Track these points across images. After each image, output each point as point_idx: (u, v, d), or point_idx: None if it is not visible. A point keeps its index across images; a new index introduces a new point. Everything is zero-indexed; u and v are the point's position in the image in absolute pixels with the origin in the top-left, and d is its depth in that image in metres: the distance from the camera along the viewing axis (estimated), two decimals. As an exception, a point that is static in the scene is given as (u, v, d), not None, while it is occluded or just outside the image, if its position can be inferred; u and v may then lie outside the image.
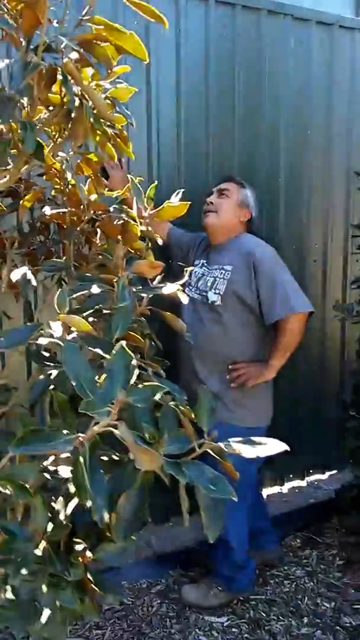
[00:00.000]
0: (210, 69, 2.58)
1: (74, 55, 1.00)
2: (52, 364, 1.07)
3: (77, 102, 1.02)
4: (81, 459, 0.81)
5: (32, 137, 0.96)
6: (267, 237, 2.78)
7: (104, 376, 0.84)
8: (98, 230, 1.39)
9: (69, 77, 0.97)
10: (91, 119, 1.03)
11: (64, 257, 1.44)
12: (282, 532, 2.67)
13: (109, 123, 1.11)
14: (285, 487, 3.21)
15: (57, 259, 1.53)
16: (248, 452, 0.88)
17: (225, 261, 2.03)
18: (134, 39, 1.01)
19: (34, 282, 1.19)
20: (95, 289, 1.03)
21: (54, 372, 1.03)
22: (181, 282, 1.11)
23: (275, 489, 3.16)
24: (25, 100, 0.99)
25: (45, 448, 0.77)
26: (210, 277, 2.04)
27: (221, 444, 0.88)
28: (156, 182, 1.31)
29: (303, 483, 3.27)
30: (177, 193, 1.29)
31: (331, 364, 3.17)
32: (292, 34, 2.75)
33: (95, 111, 1.03)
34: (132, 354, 0.84)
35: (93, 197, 1.36)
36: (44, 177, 1.41)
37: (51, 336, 0.98)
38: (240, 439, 0.93)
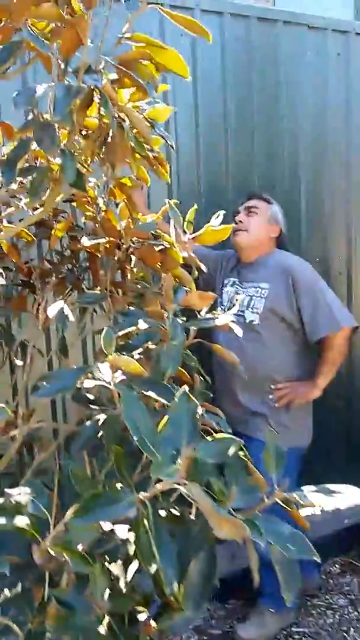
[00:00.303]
0: (227, 82, 2.52)
1: (113, 75, 0.93)
2: (96, 408, 0.99)
3: (116, 125, 0.95)
4: (145, 522, 0.72)
5: (73, 166, 0.89)
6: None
7: (162, 423, 0.77)
8: (132, 256, 1.31)
9: (109, 100, 0.90)
10: (132, 143, 0.96)
11: (97, 287, 1.37)
12: (320, 558, 2.55)
13: (148, 146, 1.03)
14: (317, 509, 3.10)
15: (88, 288, 1.46)
16: (326, 503, 0.79)
17: (261, 278, 1.97)
18: (175, 55, 0.94)
19: (71, 318, 1.12)
20: (142, 324, 0.95)
21: (101, 417, 0.95)
22: (233, 311, 1.03)
23: (307, 511, 3.05)
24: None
25: (109, 516, 0.68)
26: (245, 295, 1.97)
27: (296, 495, 0.80)
28: (195, 206, 1.23)
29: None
30: (218, 215, 1.22)
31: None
32: (308, 44, 2.69)
33: (136, 134, 0.96)
34: (197, 401, 0.76)
35: (124, 223, 1.29)
36: (74, 203, 1.34)
37: (98, 379, 0.90)
38: (313, 487, 0.84)
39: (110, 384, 0.88)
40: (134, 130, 0.95)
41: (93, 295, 1.17)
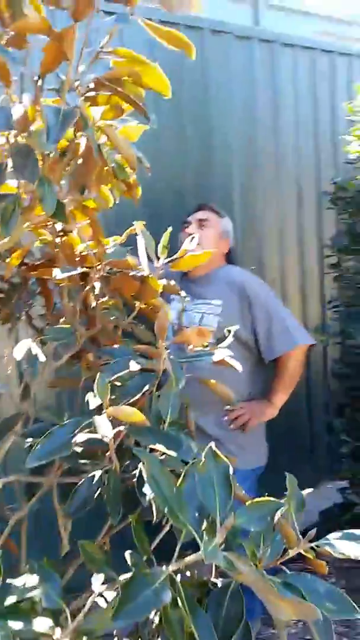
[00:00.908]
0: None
1: (91, 93, 0.84)
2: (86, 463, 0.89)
3: (96, 148, 0.85)
4: (179, 602, 0.64)
5: (53, 196, 0.79)
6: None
7: (182, 484, 0.68)
8: (94, 284, 1.21)
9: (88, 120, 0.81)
10: (112, 166, 0.87)
11: (57, 317, 1.25)
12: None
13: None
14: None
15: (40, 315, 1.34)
16: (356, 551, 0.75)
17: (212, 295, 1.89)
18: (158, 72, 0.86)
19: (42, 358, 1.00)
20: (134, 365, 0.86)
21: (96, 474, 0.85)
22: (227, 342, 0.96)
23: (257, 518, 3.06)
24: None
25: (149, 606, 0.59)
26: (195, 312, 1.88)
27: (327, 547, 0.74)
28: (170, 228, 1.15)
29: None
30: (192, 237, 1.15)
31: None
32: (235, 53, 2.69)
33: (119, 159, 0.87)
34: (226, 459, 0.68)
35: (82, 246, 1.19)
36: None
37: (96, 432, 0.80)
38: (339, 534, 0.79)
39: (111, 440, 0.78)
40: (118, 155, 0.86)
41: (62, 331, 1.06)
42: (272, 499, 0.68)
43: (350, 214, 2.18)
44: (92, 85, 0.82)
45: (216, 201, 2.64)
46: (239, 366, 0.92)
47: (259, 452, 1.97)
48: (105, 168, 0.90)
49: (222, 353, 0.90)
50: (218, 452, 0.69)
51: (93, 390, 1.29)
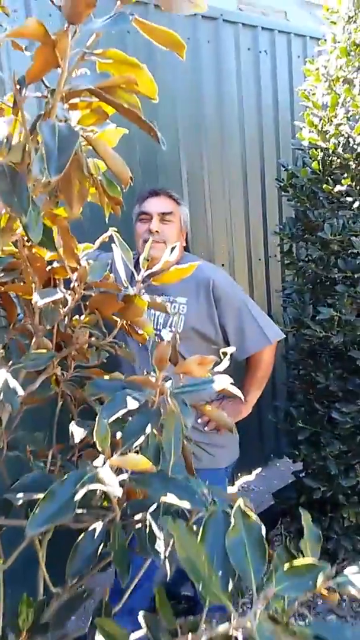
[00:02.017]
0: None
1: (75, 100, 0.73)
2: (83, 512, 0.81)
3: (84, 161, 0.75)
4: None
5: (39, 223, 0.68)
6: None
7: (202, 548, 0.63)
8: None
9: (74, 131, 0.70)
10: (100, 178, 0.77)
11: (20, 331, 1.15)
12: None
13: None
14: (219, 497, 3.15)
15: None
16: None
17: (176, 292, 1.77)
18: (147, 75, 0.77)
19: (20, 392, 0.90)
20: (132, 402, 0.78)
21: (97, 526, 0.77)
22: (222, 367, 0.90)
23: (210, 502, 3.08)
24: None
25: None
26: (159, 311, 1.77)
27: (348, 586, 0.71)
28: (151, 240, 1.06)
29: (234, 489, 3.23)
30: (174, 247, 1.07)
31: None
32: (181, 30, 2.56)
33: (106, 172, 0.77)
34: (255, 514, 0.63)
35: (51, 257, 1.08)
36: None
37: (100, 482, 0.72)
38: (356, 568, 0.77)
39: (117, 492, 0.70)
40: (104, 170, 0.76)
41: (41, 357, 0.96)
42: (311, 560, 0.63)
43: (301, 201, 2.16)
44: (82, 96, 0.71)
45: (162, 186, 2.56)
46: (238, 393, 0.86)
47: (234, 448, 1.95)
48: (88, 183, 0.80)
49: (223, 381, 0.84)
50: (247, 509, 0.63)
51: (64, 404, 1.22)
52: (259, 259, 3.13)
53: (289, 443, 2.46)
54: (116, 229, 1.08)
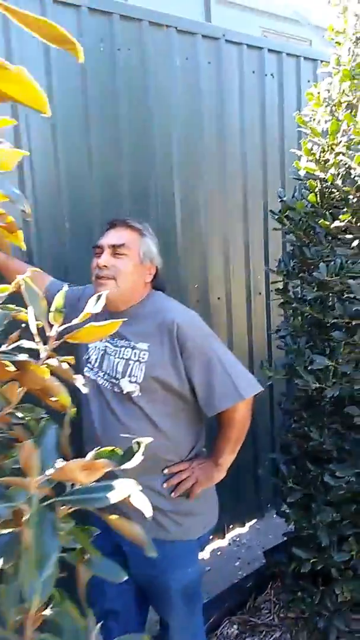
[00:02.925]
0: (89, 88, 2.14)
1: None
2: None
3: None
4: None
5: None
6: (168, 278, 2.48)
7: None
8: None
9: None
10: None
11: None
12: (216, 620, 2.33)
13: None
14: (206, 552, 2.89)
15: None
16: None
17: (137, 336, 1.55)
18: (25, 81, 0.58)
19: None
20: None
21: None
22: (133, 463, 0.68)
23: (197, 556, 2.82)
24: None
25: None
26: (118, 358, 1.56)
27: None
28: (66, 287, 0.87)
29: (224, 542, 2.97)
30: (99, 297, 0.86)
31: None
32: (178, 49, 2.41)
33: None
34: None
35: None
36: None
37: None
38: None
39: None
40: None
41: None
42: None
43: (297, 236, 1.95)
44: None
45: (155, 216, 2.38)
46: (148, 512, 0.64)
47: (208, 515, 1.69)
48: None
49: (126, 488, 0.63)
50: None
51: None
52: (259, 293, 2.92)
53: (282, 500, 2.21)
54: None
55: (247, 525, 3.09)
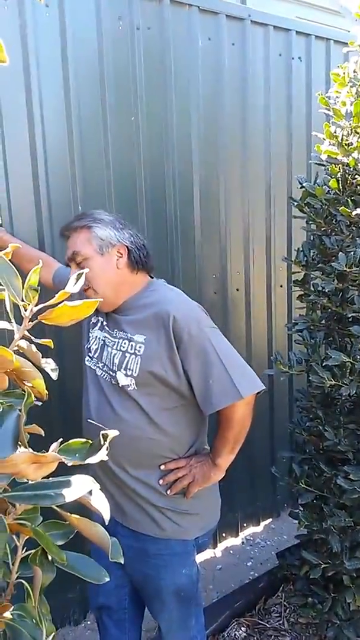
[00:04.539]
0: (106, 68, 2.08)
1: None
2: None
3: None
4: None
5: None
6: (184, 267, 2.41)
7: None
8: None
9: None
10: None
11: None
12: (224, 620, 2.26)
13: None
14: (219, 550, 2.82)
15: None
16: None
17: (134, 328, 1.46)
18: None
19: None
20: None
21: None
22: (99, 456, 0.61)
23: (208, 554, 2.76)
24: None
25: None
26: (115, 349, 1.48)
27: None
28: (40, 263, 0.80)
29: (237, 540, 2.89)
30: (79, 275, 0.80)
31: (260, 409, 2.81)
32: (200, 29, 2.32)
33: None
34: None
35: None
36: None
37: None
38: None
39: None
40: None
41: None
42: None
43: (317, 224, 1.85)
44: None
45: (173, 202, 2.31)
46: (106, 514, 0.57)
47: (208, 515, 1.59)
48: None
49: (82, 485, 0.56)
50: None
51: None
52: (280, 286, 2.82)
53: (294, 501, 2.12)
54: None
55: (262, 524, 3.01)
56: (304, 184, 1.83)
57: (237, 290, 2.67)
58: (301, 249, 1.99)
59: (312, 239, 1.95)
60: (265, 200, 2.67)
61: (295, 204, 1.87)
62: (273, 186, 2.66)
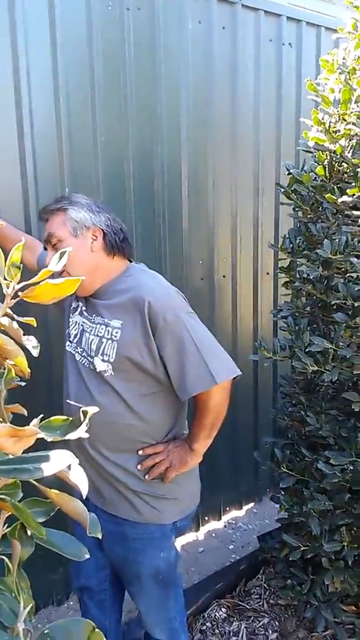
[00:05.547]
0: (95, 49, 2.05)
1: None
2: None
3: None
4: None
5: None
6: (171, 253, 2.41)
7: None
8: None
9: None
10: None
11: None
12: (205, 601, 2.29)
13: None
14: (201, 533, 2.85)
15: None
16: None
17: (110, 313, 1.45)
18: None
19: None
20: None
21: None
22: (79, 432, 0.61)
23: (190, 537, 2.79)
24: None
25: None
26: (93, 335, 1.47)
27: None
28: (23, 241, 0.80)
29: (219, 524, 2.93)
30: (63, 254, 0.80)
31: (244, 394, 2.83)
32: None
33: None
34: None
35: None
36: None
37: None
38: None
39: None
40: None
41: None
42: None
43: (304, 211, 1.85)
44: None
45: (160, 185, 2.30)
46: (84, 489, 0.57)
47: (186, 500, 1.59)
48: None
49: (60, 459, 0.56)
50: None
51: None
52: (267, 273, 2.83)
53: (275, 485, 2.15)
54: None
55: (244, 508, 3.05)
56: (291, 171, 1.84)
57: (224, 276, 2.68)
58: (287, 236, 2.00)
59: (298, 226, 1.96)
60: (253, 186, 2.67)
61: (283, 190, 1.87)
62: (262, 172, 2.67)
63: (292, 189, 1.89)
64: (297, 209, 1.90)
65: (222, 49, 2.41)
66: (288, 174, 1.89)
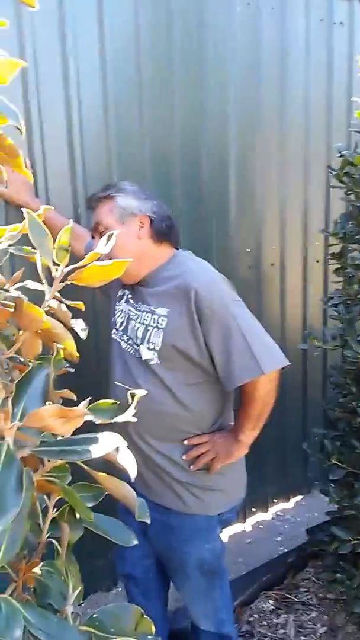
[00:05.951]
0: (142, 34, 2.04)
1: None
2: None
3: None
4: None
5: None
6: (218, 241, 2.38)
7: None
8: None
9: None
10: None
11: None
12: (252, 593, 2.27)
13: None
14: (248, 524, 2.83)
15: None
16: None
17: (157, 301, 1.43)
18: None
19: None
20: None
21: None
22: (126, 416, 0.60)
23: (238, 527, 2.77)
24: None
25: None
26: (139, 323, 1.46)
27: None
28: (71, 223, 0.79)
29: (267, 516, 2.90)
30: (110, 237, 0.79)
31: (293, 385, 2.78)
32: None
33: None
34: None
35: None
36: None
37: None
38: None
39: None
40: None
41: None
42: None
43: (357, 194, 1.79)
44: None
45: (207, 173, 2.27)
46: (133, 472, 0.56)
47: (232, 492, 1.57)
48: None
49: (109, 442, 0.55)
50: None
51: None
52: (317, 260, 2.75)
53: (325, 478, 2.10)
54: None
55: (292, 500, 3.00)
56: (343, 152, 1.77)
57: (272, 265, 2.63)
58: (339, 220, 1.93)
59: (350, 210, 1.89)
60: (303, 170, 2.60)
61: (334, 173, 1.81)
62: (311, 156, 2.59)
63: (344, 171, 1.82)
64: (349, 193, 1.84)
65: (271, 31, 2.35)
66: (340, 156, 1.82)
